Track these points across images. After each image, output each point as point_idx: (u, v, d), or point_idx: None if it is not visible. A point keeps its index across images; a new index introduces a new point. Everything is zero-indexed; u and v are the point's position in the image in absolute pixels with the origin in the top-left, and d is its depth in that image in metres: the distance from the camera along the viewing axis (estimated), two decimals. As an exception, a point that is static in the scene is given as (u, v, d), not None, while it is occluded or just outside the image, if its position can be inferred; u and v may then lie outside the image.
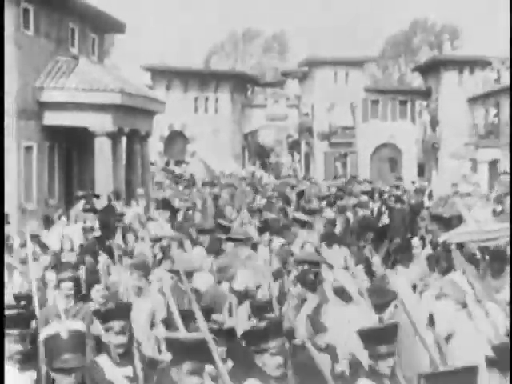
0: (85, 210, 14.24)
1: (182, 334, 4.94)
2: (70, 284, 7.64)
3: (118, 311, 5.38)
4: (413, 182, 26.06)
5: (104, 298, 7.85)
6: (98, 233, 12.26)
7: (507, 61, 29.23)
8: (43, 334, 4.69)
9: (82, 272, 8.91)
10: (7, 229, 11.56)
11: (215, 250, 10.36)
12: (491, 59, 32.46)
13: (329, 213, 14.91)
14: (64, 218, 14.15)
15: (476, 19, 50.09)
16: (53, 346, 4.52)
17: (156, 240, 10.84)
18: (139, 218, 13.96)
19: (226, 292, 8.08)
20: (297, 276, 8.32)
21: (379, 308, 6.66)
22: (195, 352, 4.44)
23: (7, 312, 5.50)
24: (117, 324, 5.23)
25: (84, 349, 4.68)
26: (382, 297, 6.87)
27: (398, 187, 20.54)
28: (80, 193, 16.84)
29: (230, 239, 10.64)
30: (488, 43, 34.88)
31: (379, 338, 4.77)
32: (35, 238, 10.76)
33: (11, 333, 5.31)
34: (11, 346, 5.29)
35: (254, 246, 10.91)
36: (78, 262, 9.51)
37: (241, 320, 7.37)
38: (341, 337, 6.54)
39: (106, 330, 5.27)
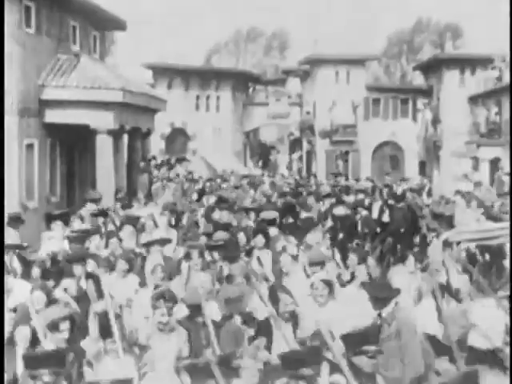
0: (93, 215, 13.56)
1: None
2: (67, 324, 6.35)
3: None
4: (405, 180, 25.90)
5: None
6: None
7: (507, 57, 29.15)
8: None
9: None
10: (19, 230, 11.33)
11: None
12: (493, 57, 32.38)
13: (340, 210, 14.65)
14: (78, 220, 13.41)
15: (478, 18, 50.00)
16: None
17: (145, 245, 10.18)
18: (152, 218, 13.27)
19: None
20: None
21: (380, 303, 6.59)
22: None
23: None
24: None
25: None
26: (383, 291, 6.76)
27: (390, 187, 20.38)
28: (90, 194, 16.23)
29: (209, 247, 9.93)
30: (490, 42, 34.81)
31: None
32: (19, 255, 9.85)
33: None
34: None
35: (249, 251, 10.25)
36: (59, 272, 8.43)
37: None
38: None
39: None
